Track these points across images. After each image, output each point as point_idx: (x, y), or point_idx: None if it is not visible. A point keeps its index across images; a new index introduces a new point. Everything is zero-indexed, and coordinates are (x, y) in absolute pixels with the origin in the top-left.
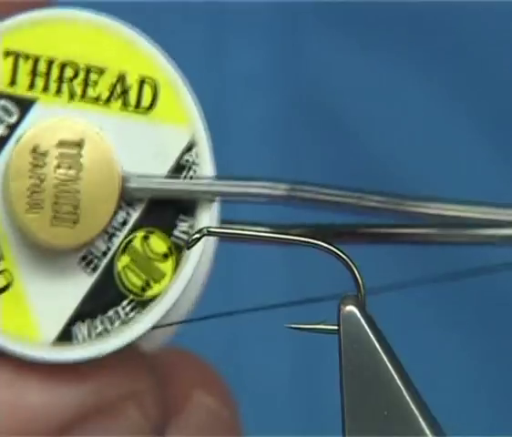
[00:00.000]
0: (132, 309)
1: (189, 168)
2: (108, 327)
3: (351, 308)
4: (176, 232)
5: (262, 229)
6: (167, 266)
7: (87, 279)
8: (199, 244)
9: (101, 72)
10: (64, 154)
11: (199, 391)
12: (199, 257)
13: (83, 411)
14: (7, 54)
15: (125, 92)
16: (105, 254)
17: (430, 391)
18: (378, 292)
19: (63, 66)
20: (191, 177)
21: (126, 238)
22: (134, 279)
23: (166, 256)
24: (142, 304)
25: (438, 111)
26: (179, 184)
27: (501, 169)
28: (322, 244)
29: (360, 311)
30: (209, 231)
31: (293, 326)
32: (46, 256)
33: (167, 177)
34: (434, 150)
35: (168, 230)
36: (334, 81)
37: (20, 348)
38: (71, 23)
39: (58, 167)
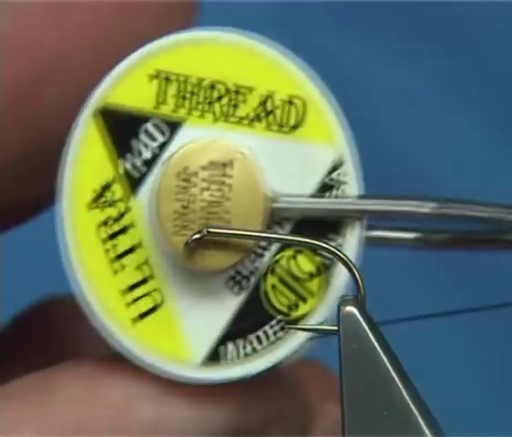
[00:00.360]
0: (280, 330)
1: (336, 188)
2: (257, 347)
3: (350, 308)
4: (323, 251)
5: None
6: (315, 285)
7: (236, 298)
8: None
9: (248, 92)
10: (212, 175)
11: (329, 404)
12: (348, 275)
13: (227, 433)
14: (155, 75)
15: (271, 112)
16: (252, 274)
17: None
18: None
19: (210, 87)
20: (337, 197)
21: (273, 257)
22: (282, 299)
23: (313, 275)
24: (290, 324)
25: (440, 98)
26: (326, 203)
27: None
28: (322, 244)
29: (360, 312)
30: (208, 231)
31: (293, 326)
32: (195, 276)
33: (313, 196)
34: (438, 137)
35: (315, 249)
36: (337, 75)
37: (170, 368)
38: (217, 43)
39: (206, 188)
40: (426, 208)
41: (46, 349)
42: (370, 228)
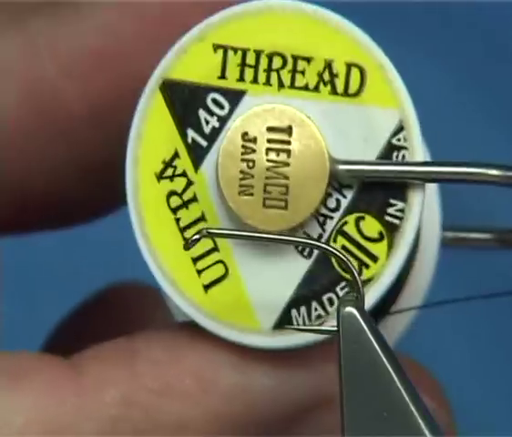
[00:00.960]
0: (351, 290)
1: (399, 151)
2: (326, 311)
3: (350, 309)
4: (388, 215)
5: (264, 231)
6: (380, 248)
7: (303, 263)
8: (413, 225)
9: (308, 60)
10: (273, 140)
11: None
12: (414, 238)
13: (311, 399)
14: (217, 48)
15: (332, 79)
16: (321, 236)
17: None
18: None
19: (270, 57)
20: (402, 160)
21: (338, 222)
22: (352, 260)
23: (379, 239)
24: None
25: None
26: (389, 167)
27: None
28: (322, 245)
29: (359, 313)
30: (208, 232)
31: (292, 327)
32: (261, 242)
33: (376, 160)
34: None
35: (379, 213)
36: None
37: (239, 336)
38: (276, 13)
39: (267, 152)
40: (491, 175)
41: (115, 332)
42: (446, 229)
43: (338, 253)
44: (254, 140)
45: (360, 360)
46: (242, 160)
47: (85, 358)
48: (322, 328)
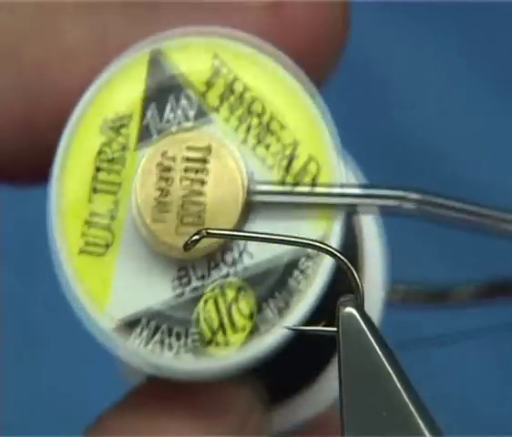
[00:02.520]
0: (194, 342)
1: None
2: (170, 345)
3: (350, 310)
4: (266, 306)
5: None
6: (242, 325)
7: (170, 293)
8: (278, 334)
9: (282, 128)
10: (189, 167)
11: None
12: (275, 343)
13: None
14: (214, 57)
15: (291, 163)
16: (203, 277)
17: None
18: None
19: (252, 101)
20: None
21: (224, 277)
22: (212, 317)
23: (246, 318)
24: (204, 345)
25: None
26: (302, 195)
27: None
28: (321, 245)
29: (359, 313)
30: (208, 232)
31: (292, 327)
32: (149, 251)
33: (289, 191)
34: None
35: (260, 298)
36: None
37: (89, 309)
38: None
39: (184, 176)
40: (409, 204)
41: None
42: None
43: (337, 254)
44: (172, 160)
45: (359, 360)
46: (160, 179)
47: None
48: (322, 328)
